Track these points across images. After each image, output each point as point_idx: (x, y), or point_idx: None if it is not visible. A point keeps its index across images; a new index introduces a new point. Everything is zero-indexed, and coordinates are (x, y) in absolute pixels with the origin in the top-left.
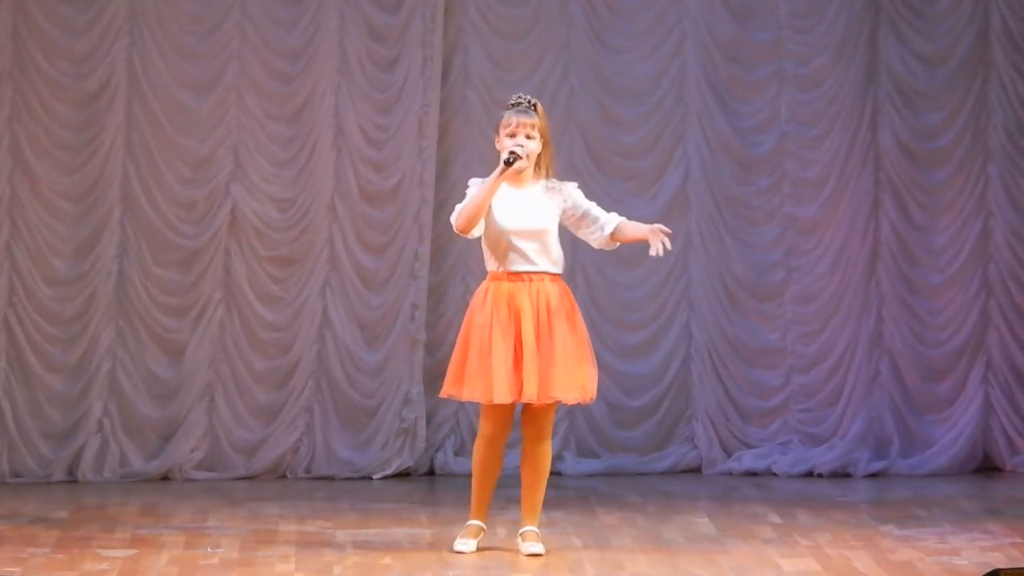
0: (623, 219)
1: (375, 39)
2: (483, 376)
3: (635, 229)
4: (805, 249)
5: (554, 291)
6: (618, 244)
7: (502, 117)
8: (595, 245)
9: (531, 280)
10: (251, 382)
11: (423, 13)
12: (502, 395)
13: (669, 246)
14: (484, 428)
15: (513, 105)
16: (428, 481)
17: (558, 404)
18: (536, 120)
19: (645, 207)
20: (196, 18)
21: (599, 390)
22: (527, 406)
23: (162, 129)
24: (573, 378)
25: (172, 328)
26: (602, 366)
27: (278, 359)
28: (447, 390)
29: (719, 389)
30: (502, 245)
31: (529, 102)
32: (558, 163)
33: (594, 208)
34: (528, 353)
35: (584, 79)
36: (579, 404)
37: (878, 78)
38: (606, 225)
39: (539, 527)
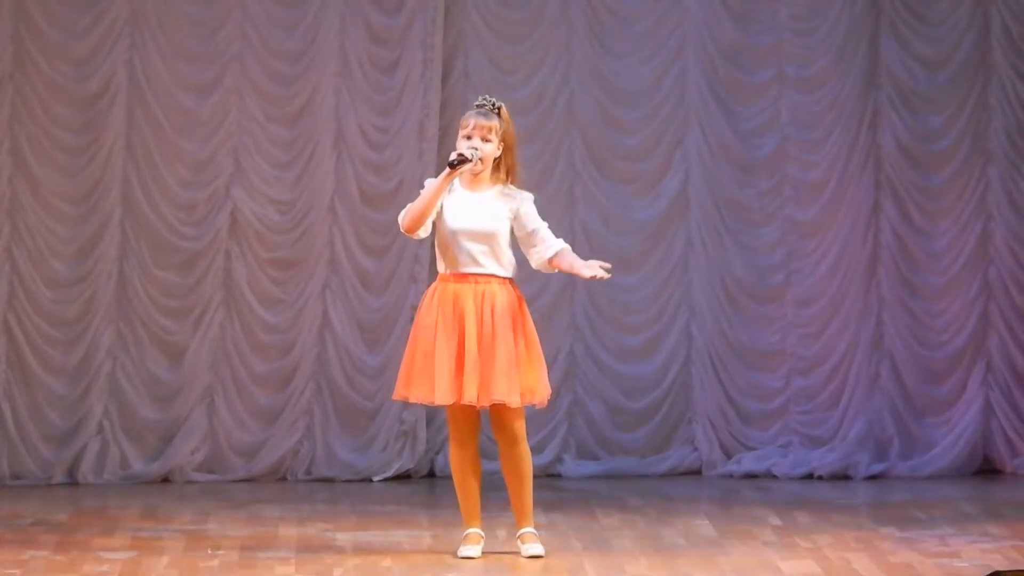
0: (567, 247)
1: (376, 41)
2: (427, 378)
3: (573, 262)
4: (805, 252)
5: (501, 294)
6: (556, 270)
7: (463, 117)
8: (534, 265)
9: (477, 282)
10: (251, 384)
11: (424, 16)
12: (443, 397)
13: (605, 275)
14: (451, 430)
15: (477, 106)
16: (428, 483)
17: (556, 406)
18: (495, 124)
19: (645, 210)
20: (197, 21)
21: (600, 392)
22: (492, 411)
23: (163, 131)
24: (517, 381)
25: (172, 330)
26: (602, 368)
27: (278, 361)
28: (399, 392)
29: (719, 391)
30: (451, 246)
31: (493, 105)
32: (558, 166)
33: (543, 229)
34: (469, 355)
35: (584, 82)
36: (534, 406)
37: (878, 81)
38: (548, 249)
39: (539, 529)
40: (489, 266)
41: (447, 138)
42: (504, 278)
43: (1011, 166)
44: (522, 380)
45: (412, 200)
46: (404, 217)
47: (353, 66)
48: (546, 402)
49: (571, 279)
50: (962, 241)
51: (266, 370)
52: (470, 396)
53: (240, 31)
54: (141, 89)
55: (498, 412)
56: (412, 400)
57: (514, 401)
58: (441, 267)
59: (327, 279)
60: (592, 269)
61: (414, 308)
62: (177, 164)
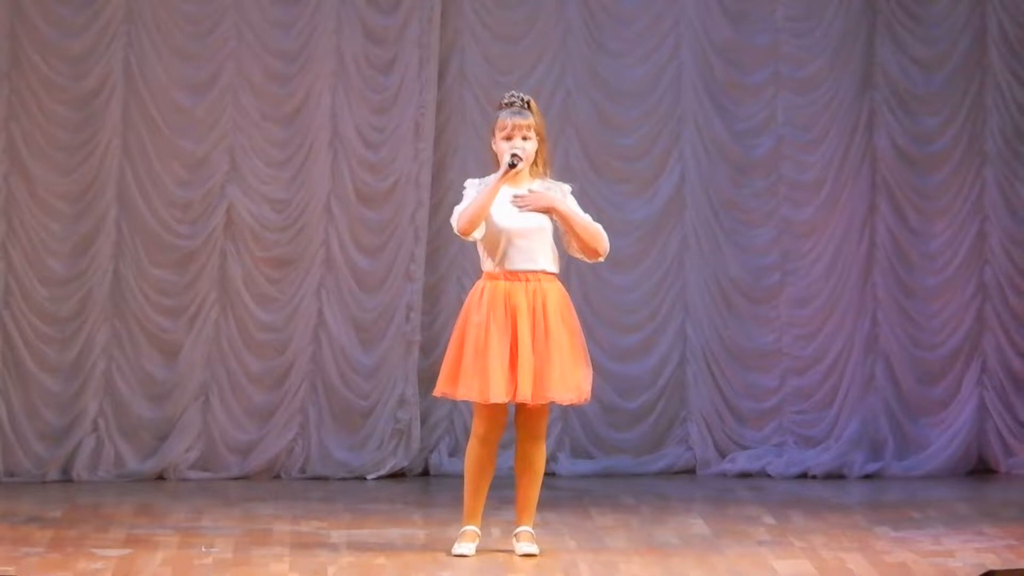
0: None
1: (372, 41)
2: (479, 375)
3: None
4: (801, 252)
5: (551, 290)
6: (587, 254)
7: (497, 118)
8: (570, 252)
9: (528, 280)
10: (246, 382)
11: (420, 15)
12: (498, 394)
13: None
14: (477, 428)
15: (507, 105)
16: (422, 482)
17: (551, 404)
18: (531, 120)
19: (641, 209)
20: (193, 19)
21: (594, 391)
22: (521, 407)
23: (158, 130)
24: (568, 379)
25: (167, 328)
26: (597, 367)
27: (273, 360)
28: (441, 388)
29: (714, 391)
30: (500, 244)
31: (523, 101)
32: (554, 165)
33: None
34: (524, 353)
35: (580, 81)
36: (573, 405)
37: (874, 82)
38: None
39: (533, 528)
40: (540, 261)
41: (443, 137)
42: (552, 273)
43: (1007, 167)
44: (574, 378)
45: (409, 198)
46: (460, 220)
47: (349, 65)
48: (589, 398)
49: (566, 278)
50: (958, 242)
51: (261, 368)
52: (524, 394)
53: (236, 30)
54: (137, 87)
55: (529, 408)
56: (458, 398)
57: (567, 398)
58: (488, 266)
59: (322, 278)
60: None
61: (409, 307)
62: (173, 162)
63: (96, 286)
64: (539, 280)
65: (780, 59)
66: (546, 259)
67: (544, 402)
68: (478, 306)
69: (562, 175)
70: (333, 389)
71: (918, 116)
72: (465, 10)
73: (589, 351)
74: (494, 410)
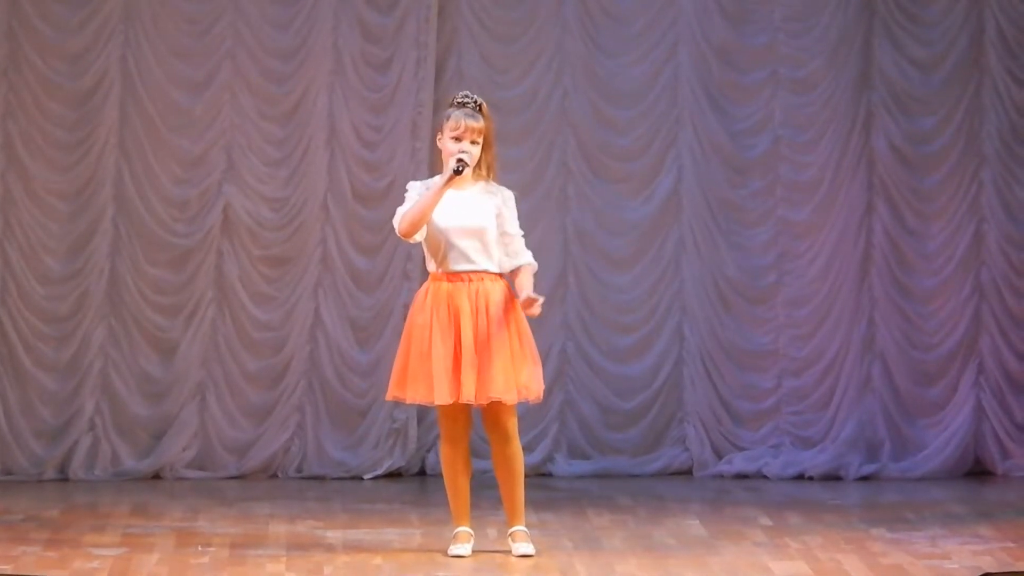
0: (527, 266)
1: (369, 40)
2: (424, 378)
3: (523, 283)
4: (798, 252)
5: (494, 291)
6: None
7: (449, 116)
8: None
9: (471, 280)
10: (243, 382)
11: (417, 14)
12: (442, 396)
13: (536, 311)
14: (443, 429)
15: (460, 104)
16: (419, 481)
17: (549, 406)
18: (482, 124)
19: (638, 209)
20: (190, 17)
21: (592, 391)
22: (485, 410)
23: (156, 128)
24: (511, 378)
25: (164, 327)
26: (594, 368)
27: (270, 359)
28: (392, 393)
29: (711, 392)
30: (442, 245)
31: (476, 103)
32: (551, 165)
33: (517, 239)
34: (466, 354)
35: (578, 81)
36: (528, 403)
37: (872, 82)
38: (515, 260)
39: (529, 528)
40: (481, 262)
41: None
42: (496, 274)
43: (1004, 168)
44: (517, 377)
45: (404, 200)
46: (401, 223)
47: (346, 64)
48: (541, 398)
49: (564, 277)
50: (955, 243)
51: (258, 367)
52: (468, 395)
53: (233, 28)
54: (134, 86)
55: (492, 410)
56: (408, 401)
57: (510, 398)
58: (432, 267)
59: (319, 277)
60: (527, 295)
61: (406, 306)
62: (170, 161)
63: (93, 284)
64: (482, 280)
65: (778, 59)
66: (487, 259)
67: (486, 402)
68: (422, 308)
69: (559, 175)
70: (330, 388)
71: (915, 117)
72: (463, 9)
73: (587, 351)
74: (454, 410)
